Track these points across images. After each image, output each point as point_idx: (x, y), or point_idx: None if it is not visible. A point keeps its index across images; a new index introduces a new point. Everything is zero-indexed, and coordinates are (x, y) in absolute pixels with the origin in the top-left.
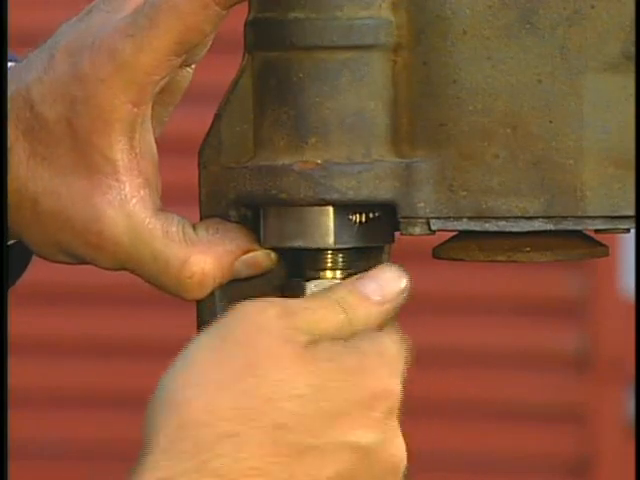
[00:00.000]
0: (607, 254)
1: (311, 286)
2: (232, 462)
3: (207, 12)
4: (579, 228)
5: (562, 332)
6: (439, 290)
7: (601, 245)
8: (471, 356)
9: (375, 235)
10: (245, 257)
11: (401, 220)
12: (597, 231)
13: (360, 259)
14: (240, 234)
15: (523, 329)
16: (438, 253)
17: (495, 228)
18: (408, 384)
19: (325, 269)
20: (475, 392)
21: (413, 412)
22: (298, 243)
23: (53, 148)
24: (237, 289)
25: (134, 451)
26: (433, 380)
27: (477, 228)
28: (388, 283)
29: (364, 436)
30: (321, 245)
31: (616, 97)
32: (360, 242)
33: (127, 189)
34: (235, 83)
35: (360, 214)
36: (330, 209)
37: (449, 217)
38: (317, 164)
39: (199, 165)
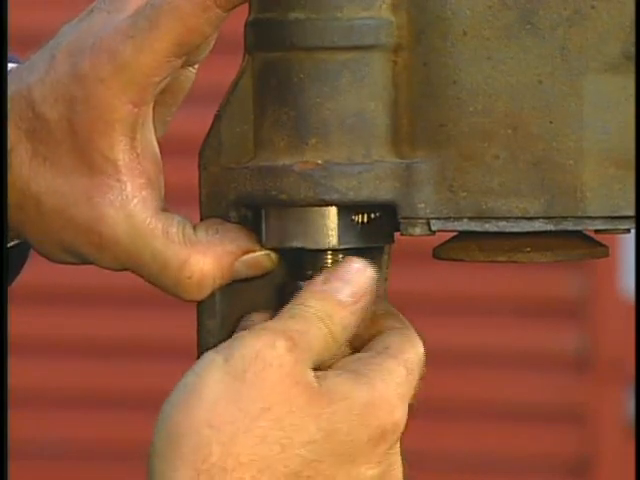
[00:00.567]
0: (607, 254)
1: None
2: None
3: (208, 14)
4: (579, 228)
5: (562, 332)
6: (439, 290)
7: (601, 245)
8: (471, 356)
9: (376, 235)
10: (245, 258)
11: (401, 220)
12: (597, 231)
13: None
14: (240, 235)
15: (523, 329)
16: (438, 253)
17: (495, 228)
18: None
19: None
20: (475, 392)
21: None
22: (299, 243)
23: (55, 148)
24: (238, 290)
25: (134, 451)
26: (433, 380)
27: (477, 228)
28: (356, 280)
29: (369, 470)
30: (322, 245)
31: (616, 97)
32: (361, 242)
33: (128, 189)
34: (235, 84)
35: (362, 214)
36: (331, 209)
37: (449, 217)
38: (317, 164)
39: (199, 166)
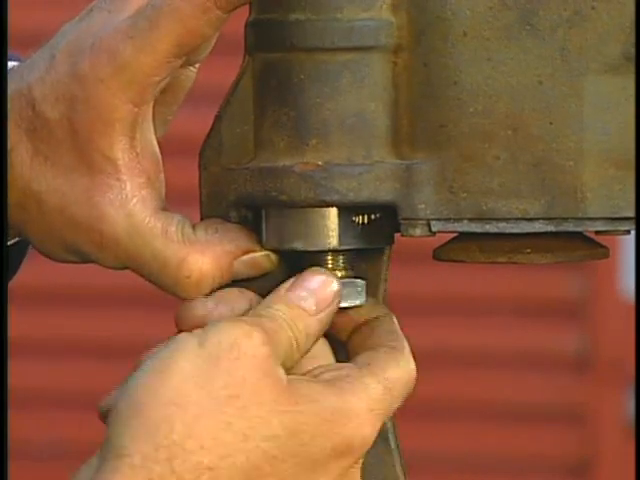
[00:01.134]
0: (607, 256)
1: None
2: None
3: (208, 16)
4: (579, 229)
5: (562, 333)
6: (439, 291)
7: (601, 247)
8: (471, 357)
9: (376, 236)
10: (244, 258)
11: (402, 222)
12: (597, 232)
13: (360, 260)
14: (240, 235)
15: (524, 330)
16: (439, 255)
17: (495, 229)
18: None
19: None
20: (476, 393)
21: (414, 413)
22: (299, 245)
23: (55, 147)
24: (239, 287)
25: None
26: (433, 381)
27: (477, 229)
28: (320, 291)
29: None
30: (322, 247)
31: (616, 98)
32: (361, 243)
33: (128, 189)
34: (236, 84)
35: (362, 215)
36: (331, 210)
37: (449, 219)
38: (318, 165)
39: (200, 166)
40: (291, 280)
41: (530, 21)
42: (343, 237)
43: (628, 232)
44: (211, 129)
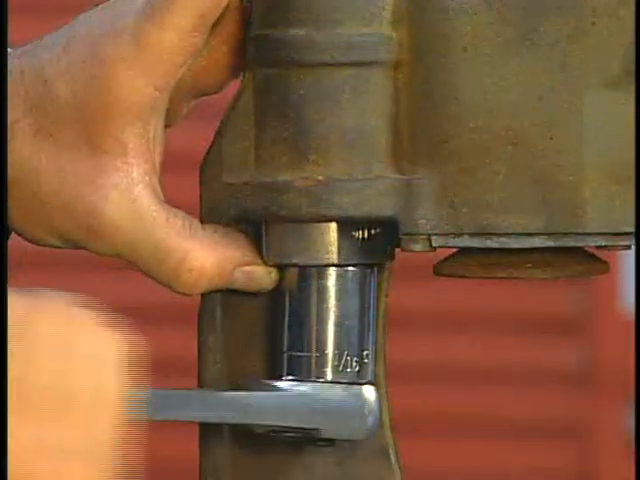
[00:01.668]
0: (607, 271)
1: None
2: None
3: None
4: (580, 245)
5: (562, 348)
6: (439, 307)
7: (602, 262)
8: (471, 373)
9: (376, 251)
10: (246, 268)
11: (402, 237)
12: (598, 248)
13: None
14: (247, 245)
15: (524, 346)
16: (439, 270)
17: (496, 245)
18: (408, 400)
19: None
20: (475, 408)
21: (413, 428)
22: (299, 260)
23: (62, 125)
24: (238, 306)
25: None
26: (433, 397)
27: (478, 245)
28: None
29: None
30: (322, 262)
31: (617, 113)
32: (361, 258)
33: (134, 173)
34: (236, 100)
35: (362, 230)
36: (331, 225)
37: (450, 234)
38: (318, 180)
39: (200, 182)
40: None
41: (530, 37)
42: (343, 252)
43: (629, 247)
44: (211, 145)
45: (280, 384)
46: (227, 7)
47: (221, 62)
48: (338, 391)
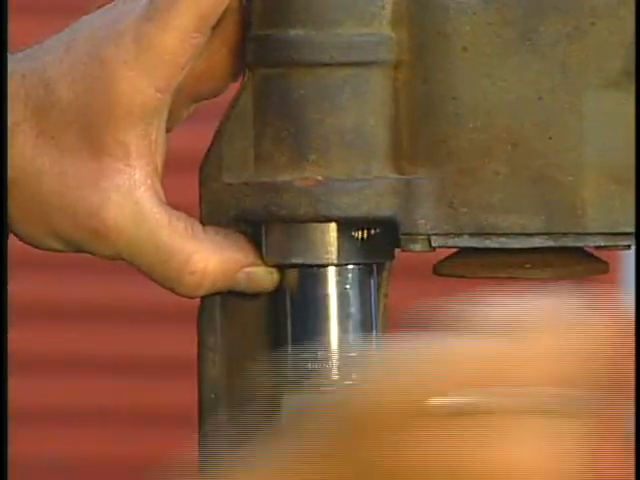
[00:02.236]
0: (607, 271)
1: None
2: None
3: None
4: (579, 244)
5: None
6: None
7: (601, 262)
8: None
9: (375, 252)
10: (249, 270)
11: (401, 237)
12: (597, 248)
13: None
14: (249, 246)
15: None
16: (439, 270)
17: (496, 245)
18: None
19: None
20: None
21: None
22: (299, 260)
23: (64, 128)
24: (239, 307)
25: (140, 467)
26: None
27: (478, 245)
28: None
29: None
30: (322, 262)
31: (617, 113)
32: (361, 258)
33: (137, 175)
34: (236, 100)
35: (362, 230)
36: (331, 225)
37: (450, 234)
38: (318, 180)
39: (200, 182)
40: None
41: (530, 37)
42: (342, 252)
43: (628, 247)
44: (211, 145)
45: None
46: (226, 8)
47: (221, 65)
48: None
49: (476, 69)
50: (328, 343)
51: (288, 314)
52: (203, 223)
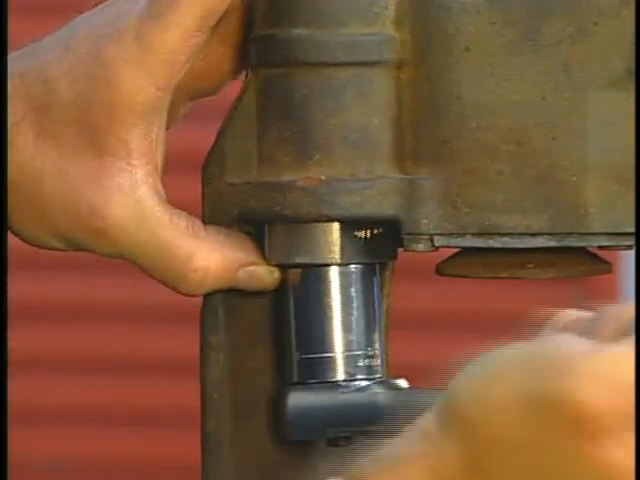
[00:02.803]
0: (610, 271)
1: None
2: None
3: None
4: (582, 245)
5: None
6: (443, 307)
7: (604, 262)
8: None
9: (379, 251)
10: (250, 268)
11: (405, 236)
12: (600, 248)
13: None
14: (250, 245)
15: None
16: (442, 270)
17: (499, 244)
18: None
19: None
20: None
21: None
22: (302, 259)
23: (64, 127)
24: (242, 307)
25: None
26: None
27: (481, 244)
28: None
29: None
30: (325, 261)
31: (619, 113)
32: (364, 258)
33: (138, 174)
34: (239, 99)
35: (365, 230)
36: (334, 225)
37: (453, 234)
38: (321, 180)
39: (203, 182)
40: None
41: (533, 37)
42: (346, 252)
43: (631, 247)
44: (214, 145)
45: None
46: (227, 6)
47: (220, 63)
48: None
49: (479, 69)
50: (331, 343)
51: (291, 314)
52: (205, 222)
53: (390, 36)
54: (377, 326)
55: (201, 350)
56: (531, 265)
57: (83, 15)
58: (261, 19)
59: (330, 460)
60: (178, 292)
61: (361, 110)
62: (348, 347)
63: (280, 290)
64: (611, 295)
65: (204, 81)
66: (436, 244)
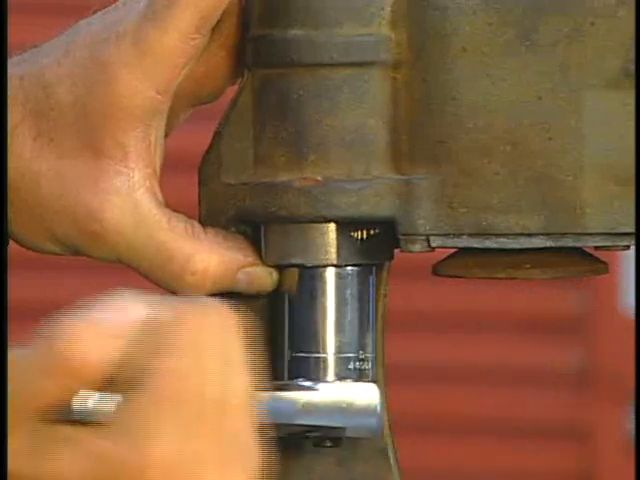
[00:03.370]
0: (607, 271)
1: None
2: None
3: None
4: (579, 245)
5: (562, 349)
6: (440, 307)
7: (601, 262)
8: (472, 373)
9: (375, 252)
10: (249, 270)
11: (401, 237)
12: (597, 248)
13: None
14: (248, 246)
15: (523, 346)
16: (438, 270)
17: (495, 245)
18: (408, 400)
19: None
20: (476, 409)
21: (415, 429)
22: (298, 260)
23: (63, 130)
24: (237, 303)
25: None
26: (434, 397)
27: (477, 245)
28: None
29: None
30: (321, 262)
31: (616, 114)
32: (360, 259)
33: (136, 177)
34: (235, 100)
35: (361, 231)
36: (330, 226)
37: (449, 234)
38: (317, 181)
39: (199, 182)
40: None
41: (529, 37)
42: (342, 253)
43: (628, 247)
44: (210, 145)
45: (308, 384)
46: (225, 11)
47: (220, 68)
48: (355, 389)
49: (476, 69)
50: (324, 343)
51: (286, 315)
52: (202, 223)
53: (386, 36)
54: (370, 329)
55: None
56: (528, 265)
57: (84, 20)
58: (257, 20)
59: (325, 457)
60: (177, 295)
61: (357, 111)
62: (340, 349)
63: (276, 291)
64: (611, 295)
65: (204, 86)
66: (432, 244)
